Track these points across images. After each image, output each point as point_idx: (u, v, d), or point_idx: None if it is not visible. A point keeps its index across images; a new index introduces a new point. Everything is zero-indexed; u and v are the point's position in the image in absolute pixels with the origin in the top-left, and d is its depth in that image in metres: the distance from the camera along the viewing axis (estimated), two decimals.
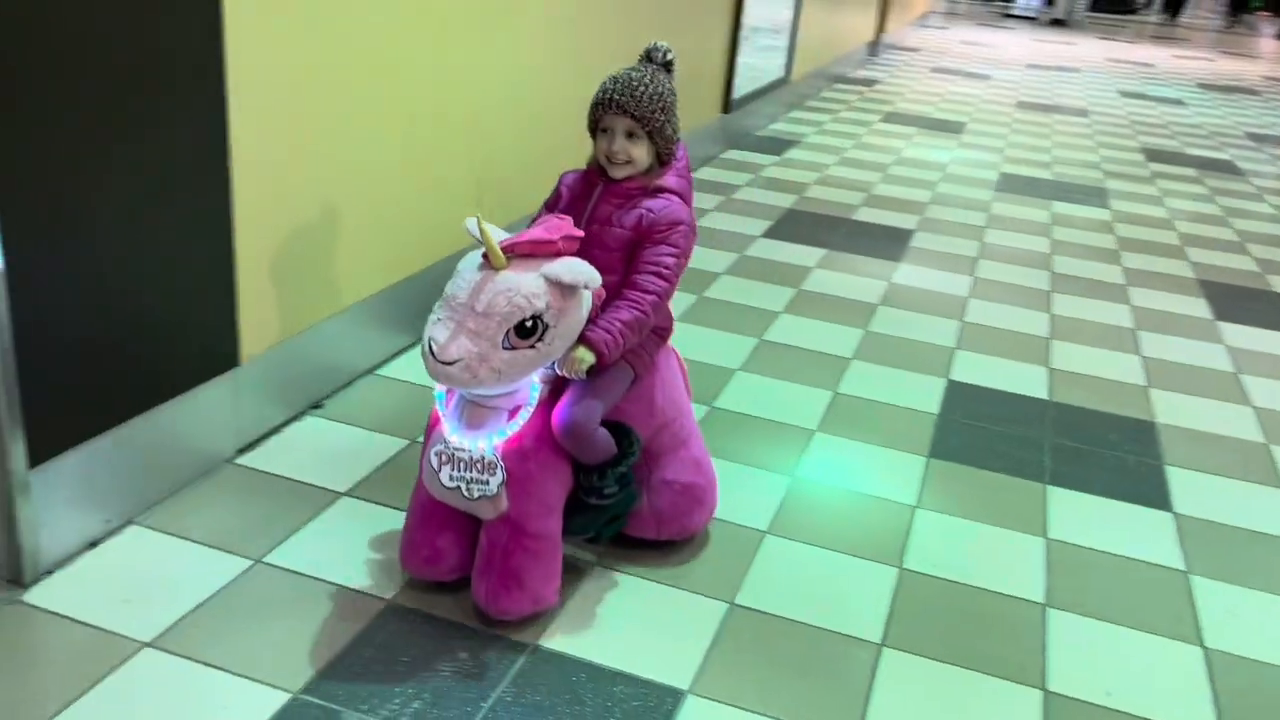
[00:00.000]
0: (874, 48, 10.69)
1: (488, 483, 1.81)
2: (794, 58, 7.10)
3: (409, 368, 2.92)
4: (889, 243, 4.59)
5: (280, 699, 1.70)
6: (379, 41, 2.62)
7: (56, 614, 1.85)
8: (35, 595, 1.88)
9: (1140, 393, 3.28)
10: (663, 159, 1.93)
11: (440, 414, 1.86)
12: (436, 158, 2.98)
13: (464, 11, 2.99)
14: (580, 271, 1.73)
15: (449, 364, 1.66)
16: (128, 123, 1.92)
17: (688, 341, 3.38)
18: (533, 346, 1.72)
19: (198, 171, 2.11)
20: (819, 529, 2.35)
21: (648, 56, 1.97)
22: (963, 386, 3.19)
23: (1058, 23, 17.01)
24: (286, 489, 2.29)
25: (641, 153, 1.90)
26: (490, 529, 1.88)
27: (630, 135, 1.88)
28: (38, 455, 1.86)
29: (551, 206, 1.99)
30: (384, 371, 2.88)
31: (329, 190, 2.53)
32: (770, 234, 4.53)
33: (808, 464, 2.63)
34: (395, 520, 2.13)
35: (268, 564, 2.04)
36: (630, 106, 1.86)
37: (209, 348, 2.25)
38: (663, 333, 2.03)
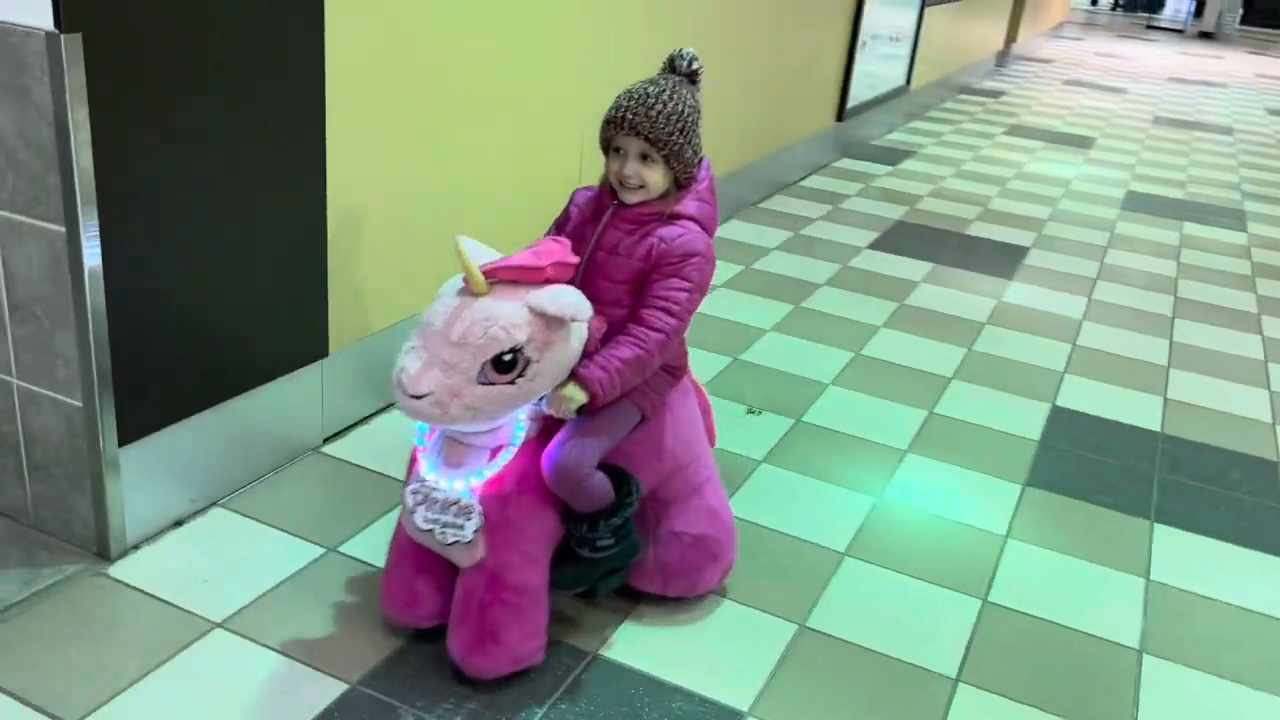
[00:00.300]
0: (1003, 58, 10.37)
1: (462, 528, 1.64)
2: (915, 66, 6.93)
3: None
4: (1001, 259, 4.42)
5: (338, 689, 1.71)
6: (478, 39, 2.64)
7: (138, 589, 1.90)
8: (120, 570, 1.95)
9: (1266, 430, 3.07)
10: (681, 182, 1.74)
11: (419, 449, 1.71)
12: (535, 156, 2.99)
13: (570, 7, 2.99)
14: (568, 303, 1.56)
15: (418, 397, 1.51)
16: (232, 118, 1.97)
17: (780, 352, 3.38)
18: (512, 382, 1.55)
19: (295, 165, 2.16)
20: (901, 554, 2.26)
21: (670, 66, 1.77)
22: (1068, 413, 3.03)
23: (1206, 35, 16.22)
24: (368, 479, 2.32)
25: (656, 177, 1.70)
26: (467, 577, 1.71)
27: (645, 158, 1.69)
28: (128, 434, 1.93)
29: (561, 226, 1.82)
30: None
31: (422, 186, 2.56)
32: (877, 246, 4.42)
33: (895, 485, 2.54)
34: None
35: (340, 553, 2.06)
36: (644, 127, 1.67)
37: (299, 338, 2.30)
38: (674, 371, 1.82)
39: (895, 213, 4.95)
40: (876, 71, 6.15)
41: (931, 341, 3.45)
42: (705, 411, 2.01)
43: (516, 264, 1.57)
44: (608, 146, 1.73)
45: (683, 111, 1.70)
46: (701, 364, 3.06)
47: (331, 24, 2.13)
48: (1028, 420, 2.96)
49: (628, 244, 1.71)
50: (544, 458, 1.68)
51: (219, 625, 1.83)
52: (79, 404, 1.87)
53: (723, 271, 3.86)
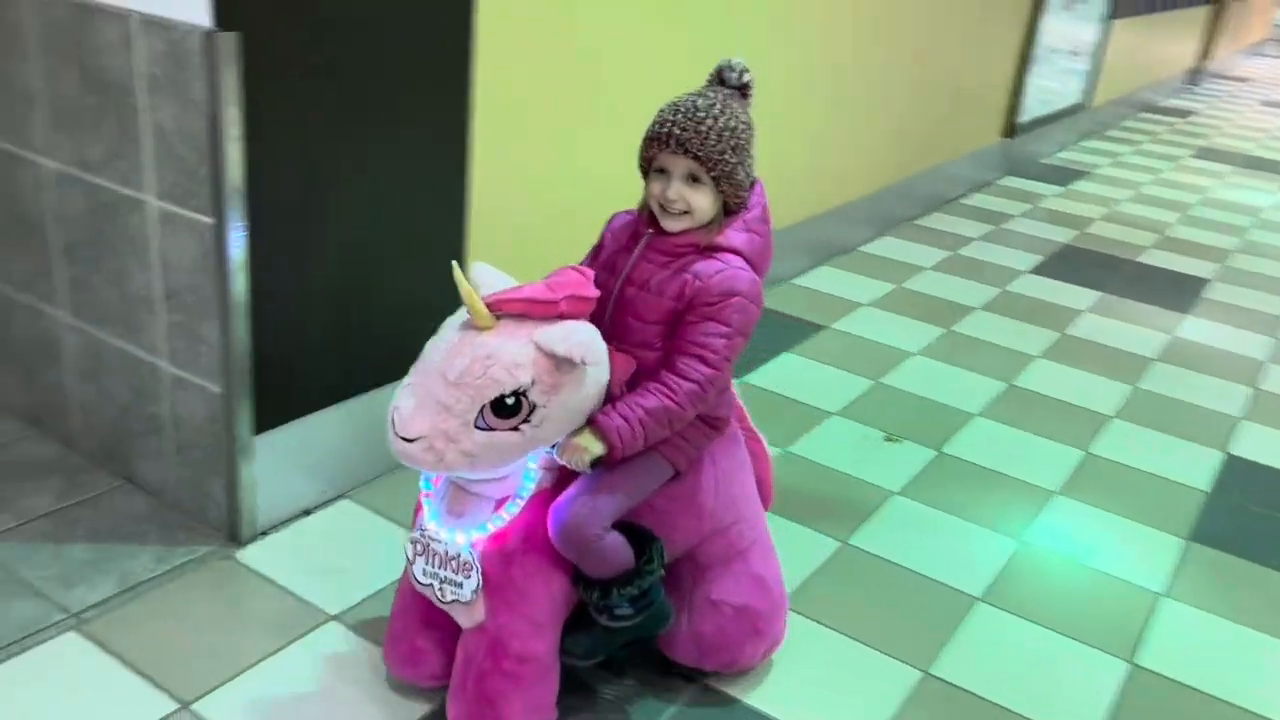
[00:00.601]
0: (1194, 76, 9.74)
1: (461, 586, 1.49)
2: (1096, 82, 6.56)
3: None
4: (1177, 291, 4.12)
5: (437, 698, 1.70)
6: (623, 48, 2.61)
7: (262, 575, 1.95)
8: (248, 554, 2.00)
9: None
10: (730, 208, 1.52)
11: (424, 492, 1.55)
12: None
13: (723, 12, 2.94)
14: (579, 342, 1.37)
15: (410, 441, 1.36)
16: (378, 116, 2.00)
17: (926, 377, 3.23)
18: (516, 429, 1.38)
19: (439, 164, 2.18)
20: (1041, 604, 2.11)
21: (719, 78, 1.54)
22: (1244, 463, 2.78)
23: None
24: None
25: (704, 201, 1.49)
26: (468, 640, 1.56)
27: (693, 179, 1.48)
28: (264, 422, 1.98)
29: (595, 255, 1.63)
30: None
31: (561, 189, 2.55)
32: (1040, 270, 4.19)
33: (1041, 528, 2.37)
34: None
35: None
36: (694, 145, 1.46)
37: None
38: (715, 423, 1.61)
39: (1063, 236, 4.68)
40: (1052, 86, 5.85)
41: (1093, 376, 3.23)
42: (763, 467, 1.82)
43: (526, 296, 1.39)
44: (648, 167, 1.53)
45: (735, 128, 1.48)
46: (840, 386, 2.95)
47: (482, 27, 2.14)
48: (1196, 469, 2.72)
49: (660, 279, 1.50)
50: (550, 513, 1.49)
51: (334, 618, 1.86)
52: (219, 390, 1.93)
53: (870, 289, 3.74)
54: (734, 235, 1.52)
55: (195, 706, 1.64)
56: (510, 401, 1.36)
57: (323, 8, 1.83)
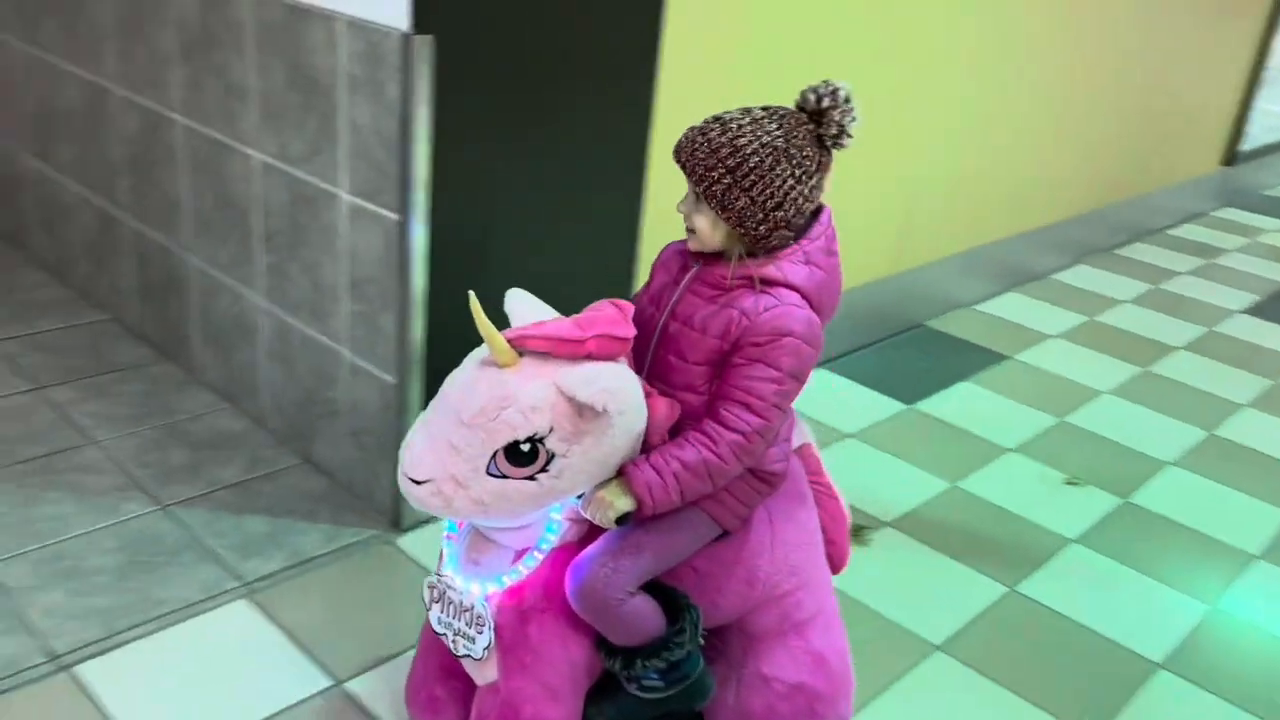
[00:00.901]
0: None
1: (473, 641, 1.36)
2: None
3: None
4: None
5: None
6: (810, 59, 2.56)
7: (418, 563, 2.00)
8: (407, 541, 2.06)
9: None
10: (749, 240, 1.32)
11: (448, 534, 1.43)
12: (859, 189, 2.86)
13: (906, 39, 2.83)
14: (603, 388, 1.22)
15: (418, 483, 1.24)
16: (562, 120, 2.02)
17: (1116, 418, 3.02)
18: (532, 478, 1.25)
19: (619, 168, 2.19)
20: (1231, 677, 1.93)
21: (801, 102, 1.34)
22: None
23: None
24: None
25: (704, 224, 1.33)
26: (482, 698, 1.43)
27: (698, 198, 1.34)
28: None
29: (646, 289, 1.47)
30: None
31: None
32: (1254, 311, 3.86)
33: (1237, 594, 2.17)
34: None
35: None
36: (685, 161, 1.32)
37: None
38: (769, 478, 1.41)
39: None
40: None
41: None
42: (837, 529, 1.61)
43: (549, 333, 1.24)
44: None
45: (743, 149, 1.29)
46: (1019, 421, 2.80)
47: (668, 39, 2.14)
48: None
49: (705, 315, 1.33)
50: (569, 571, 1.35)
51: None
52: (393, 380, 1.99)
53: (1059, 320, 3.53)
54: (790, 269, 1.34)
55: (348, 685, 1.70)
56: (525, 448, 1.23)
57: (514, 13, 1.86)
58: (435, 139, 1.81)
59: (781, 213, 1.30)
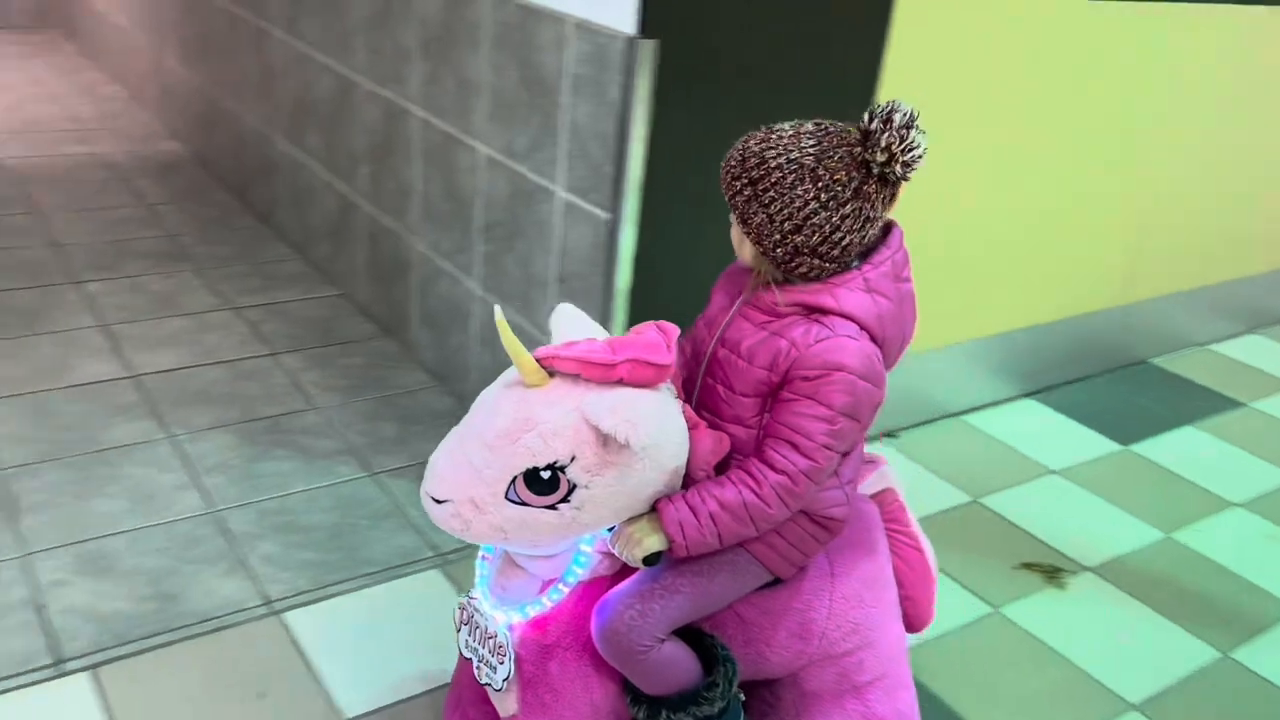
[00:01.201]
0: None
1: (495, 670, 1.29)
2: None
3: (1001, 422, 2.71)
4: None
5: None
6: (1043, 81, 2.44)
7: None
8: None
9: None
10: (778, 266, 1.21)
11: (482, 554, 1.36)
12: (1087, 214, 2.70)
13: (1147, 66, 2.65)
14: (628, 419, 1.12)
15: (438, 502, 1.18)
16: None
17: None
18: (552, 507, 1.16)
19: None
20: None
21: (861, 121, 1.20)
22: None
23: None
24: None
25: (735, 237, 1.24)
26: None
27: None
28: None
29: (706, 310, 1.36)
30: (973, 419, 2.72)
31: (962, 222, 2.44)
32: None
33: None
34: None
35: None
36: (721, 166, 1.23)
37: None
38: (827, 524, 1.28)
39: None
40: None
41: None
42: (919, 584, 1.45)
43: (579, 355, 1.16)
44: None
45: (770, 161, 1.18)
46: (1250, 473, 2.58)
47: (892, 58, 2.09)
48: None
49: (752, 343, 1.23)
50: (595, 610, 1.25)
51: None
52: None
53: None
54: (847, 296, 1.21)
55: None
56: (545, 475, 1.15)
57: (739, 21, 1.87)
58: (651, 141, 1.85)
59: (801, 238, 1.18)
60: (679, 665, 1.26)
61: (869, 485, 1.45)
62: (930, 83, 2.22)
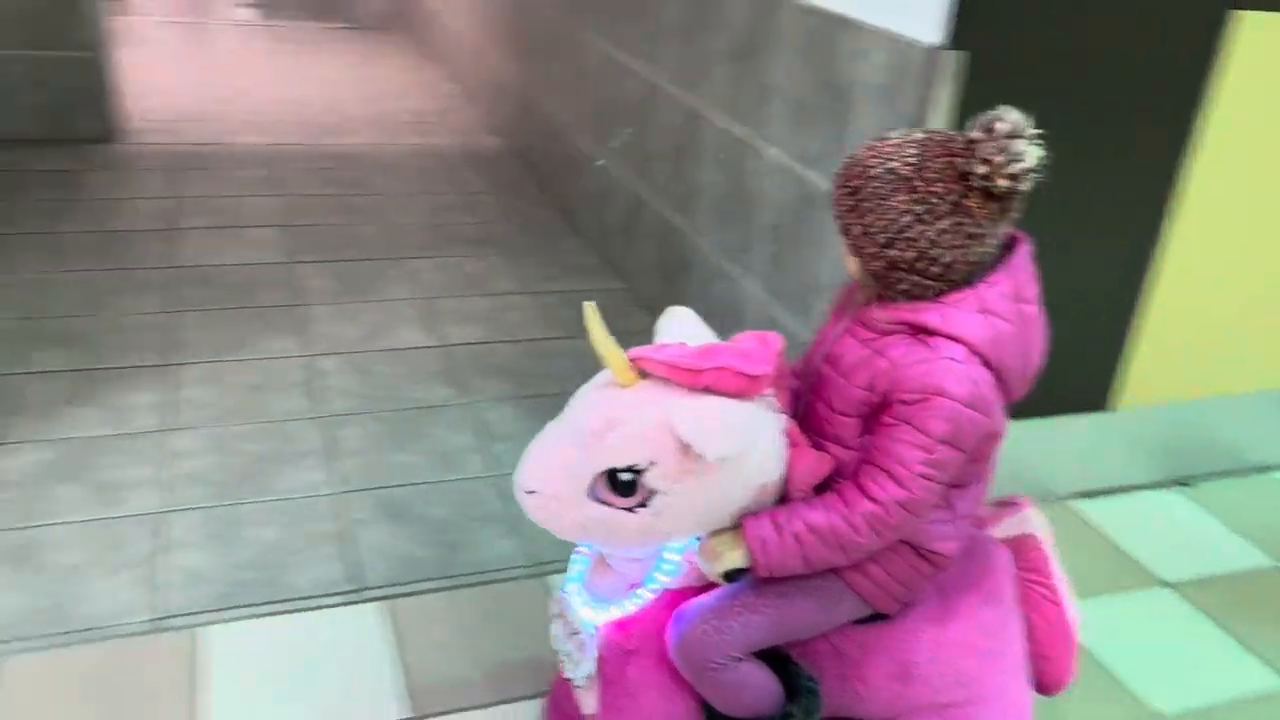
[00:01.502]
0: None
1: (577, 666, 1.28)
2: None
3: None
4: None
5: None
6: None
7: None
8: None
9: None
10: (877, 281, 1.16)
11: (576, 550, 1.36)
12: None
13: None
14: (707, 430, 1.09)
15: (528, 492, 1.18)
16: (1082, 155, 1.92)
17: None
18: (631, 510, 1.15)
19: (1131, 214, 2.04)
20: None
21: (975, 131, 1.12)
22: None
23: None
24: (1105, 551, 2.14)
25: (842, 247, 1.19)
26: None
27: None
28: None
29: (823, 325, 1.32)
30: None
31: (1267, 266, 2.22)
32: None
33: None
34: (1153, 641, 1.85)
35: None
36: (831, 182, 1.18)
37: (1077, 384, 2.18)
38: (933, 558, 1.21)
39: None
40: None
41: None
42: (1054, 642, 1.33)
43: (667, 358, 1.13)
44: None
45: (870, 169, 1.12)
46: None
47: (1226, 83, 1.94)
48: None
49: (853, 360, 1.17)
50: (672, 620, 1.23)
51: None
52: None
53: None
54: (957, 316, 1.13)
55: None
56: (625, 478, 1.14)
57: (1058, 38, 1.81)
58: None
59: (896, 252, 1.11)
60: (755, 688, 1.23)
61: (1006, 528, 1.35)
62: (1264, 119, 2.04)
